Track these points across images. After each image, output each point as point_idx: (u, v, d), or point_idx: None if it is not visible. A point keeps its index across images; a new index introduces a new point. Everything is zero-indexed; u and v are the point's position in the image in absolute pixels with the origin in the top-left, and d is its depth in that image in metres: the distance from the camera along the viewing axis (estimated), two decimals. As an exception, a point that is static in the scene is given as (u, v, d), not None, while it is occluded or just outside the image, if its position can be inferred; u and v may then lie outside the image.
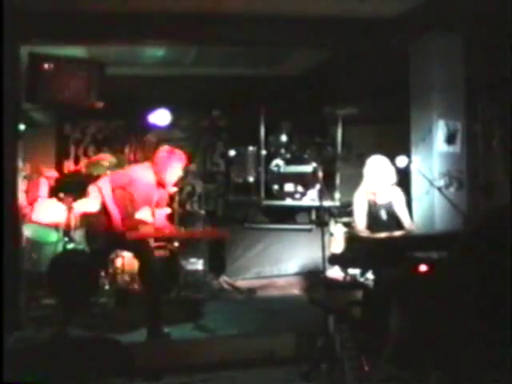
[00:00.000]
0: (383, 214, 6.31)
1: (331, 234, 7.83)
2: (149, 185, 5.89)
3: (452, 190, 6.72)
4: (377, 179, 6.31)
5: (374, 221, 6.28)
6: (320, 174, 7.10)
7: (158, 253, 7.02)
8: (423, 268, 3.56)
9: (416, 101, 7.22)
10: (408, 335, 3.06)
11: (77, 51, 7.50)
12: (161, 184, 5.95)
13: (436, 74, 7.00)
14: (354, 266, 5.13)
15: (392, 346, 3.29)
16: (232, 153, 8.46)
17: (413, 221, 6.68)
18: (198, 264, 7.73)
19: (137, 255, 6.01)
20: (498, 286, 2.40)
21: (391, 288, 3.57)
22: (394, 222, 6.33)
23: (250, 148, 8.37)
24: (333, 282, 5.71)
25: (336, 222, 8.00)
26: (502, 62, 6.40)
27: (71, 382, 4.51)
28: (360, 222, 6.27)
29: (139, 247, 5.78)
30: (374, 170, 6.32)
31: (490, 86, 6.81)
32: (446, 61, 6.99)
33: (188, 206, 8.23)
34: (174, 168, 5.98)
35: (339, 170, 8.18)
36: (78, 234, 7.06)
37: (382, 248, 4.69)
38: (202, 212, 8.20)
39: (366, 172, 6.39)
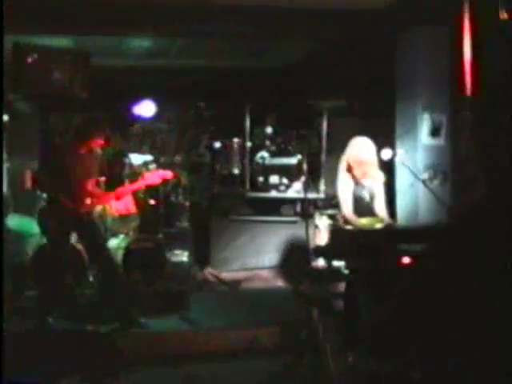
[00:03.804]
0: (366, 196, 6.32)
1: (316, 226, 7.84)
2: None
3: (436, 182, 6.75)
4: (359, 155, 6.31)
5: (357, 203, 6.29)
6: (305, 167, 7.11)
7: (143, 244, 7.02)
8: (406, 260, 3.58)
9: (401, 93, 7.24)
10: (385, 326, 3.08)
11: (63, 42, 7.46)
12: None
13: (421, 67, 7.02)
14: (339, 258, 5.14)
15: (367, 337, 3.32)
16: (217, 145, 8.46)
17: (396, 213, 6.73)
18: (182, 256, 7.72)
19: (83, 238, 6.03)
20: (475, 278, 2.43)
21: (371, 280, 3.59)
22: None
23: (236, 140, 8.36)
24: (317, 274, 5.72)
25: (321, 214, 8.01)
26: (489, 57, 6.43)
27: (54, 374, 4.50)
28: (345, 205, 6.28)
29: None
30: (357, 147, 6.34)
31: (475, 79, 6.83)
32: (431, 54, 7.00)
33: (173, 198, 8.20)
34: None
35: (324, 163, 8.20)
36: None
37: (366, 240, 4.69)
38: (187, 204, 8.19)
39: (348, 149, 6.40)
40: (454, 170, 6.90)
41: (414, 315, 2.88)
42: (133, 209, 7.45)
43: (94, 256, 6.05)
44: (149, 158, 8.27)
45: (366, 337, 3.44)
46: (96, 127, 5.91)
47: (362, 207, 6.29)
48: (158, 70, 9.19)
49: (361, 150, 6.32)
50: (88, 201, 5.88)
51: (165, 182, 7.11)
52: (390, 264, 4.03)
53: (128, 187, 6.57)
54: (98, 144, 5.91)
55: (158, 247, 7.10)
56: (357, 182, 6.34)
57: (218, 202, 8.36)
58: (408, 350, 3.26)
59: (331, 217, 7.58)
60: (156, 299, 6.45)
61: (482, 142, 6.21)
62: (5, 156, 6.30)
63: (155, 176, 6.40)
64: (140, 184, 6.41)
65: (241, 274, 7.90)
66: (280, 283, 7.61)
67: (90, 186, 5.94)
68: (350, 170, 6.34)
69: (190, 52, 8.57)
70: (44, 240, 6.46)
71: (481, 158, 6.21)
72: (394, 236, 4.75)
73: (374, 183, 6.39)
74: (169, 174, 6.50)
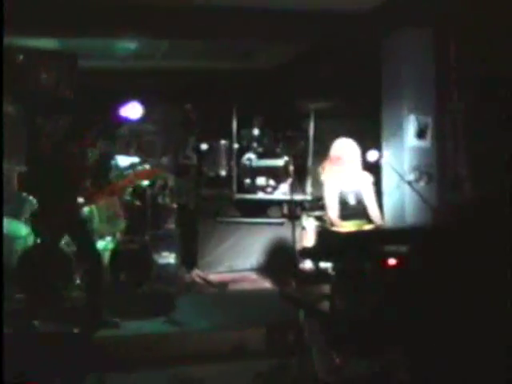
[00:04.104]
0: (351, 200, 6.38)
1: (303, 228, 7.86)
2: None
3: (422, 184, 6.79)
4: (337, 151, 6.35)
5: (342, 207, 6.34)
6: (292, 168, 7.14)
7: (129, 246, 7.00)
8: (392, 262, 3.59)
9: (387, 95, 7.27)
10: (371, 326, 3.09)
11: (49, 43, 7.43)
12: None
13: (407, 69, 7.05)
14: (325, 259, 5.15)
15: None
16: (204, 146, 8.45)
17: (383, 215, 6.74)
18: (170, 258, 7.71)
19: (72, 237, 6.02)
20: (462, 278, 2.44)
21: (358, 281, 3.60)
22: (362, 209, 6.39)
23: (222, 142, 8.37)
24: (304, 276, 5.74)
25: (308, 215, 8.03)
26: (474, 59, 6.48)
27: (39, 376, 4.48)
28: (332, 210, 6.33)
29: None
30: (337, 145, 6.37)
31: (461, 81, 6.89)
32: (417, 56, 7.04)
33: (160, 200, 8.18)
34: None
35: (311, 164, 8.22)
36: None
37: (353, 242, 4.70)
38: (174, 206, 8.18)
39: (331, 153, 6.43)
40: (439, 172, 6.94)
41: (400, 315, 2.90)
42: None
43: (84, 255, 6.00)
44: (135, 160, 8.25)
45: (353, 338, 3.45)
46: (89, 126, 5.91)
47: (348, 211, 6.35)
48: (144, 72, 9.17)
49: (340, 147, 6.39)
50: (82, 199, 5.86)
51: (153, 181, 7.12)
52: (376, 265, 4.03)
53: (121, 182, 6.54)
54: (88, 143, 5.91)
55: (144, 249, 7.08)
56: (342, 187, 6.38)
57: (205, 203, 8.36)
58: (394, 350, 3.28)
59: (318, 218, 7.61)
60: (143, 301, 6.44)
61: (469, 144, 6.26)
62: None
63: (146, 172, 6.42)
64: (132, 177, 6.41)
65: (228, 276, 7.90)
66: (267, 285, 7.62)
67: (83, 184, 5.92)
68: (331, 170, 6.39)
69: (177, 53, 8.57)
70: (31, 242, 6.43)
71: (467, 159, 6.26)
72: (380, 237, 4.76)
73: (361, 186, 6.42)
74: (156, 171, 6.51)
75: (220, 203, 8.43)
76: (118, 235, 7.35)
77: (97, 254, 5.96)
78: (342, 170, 6.36)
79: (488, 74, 5.94)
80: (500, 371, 2.38)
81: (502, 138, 5.82)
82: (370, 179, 6.51)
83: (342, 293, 3.61)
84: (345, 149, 6.39)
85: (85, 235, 5.97)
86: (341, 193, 6.37)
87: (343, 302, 3.55)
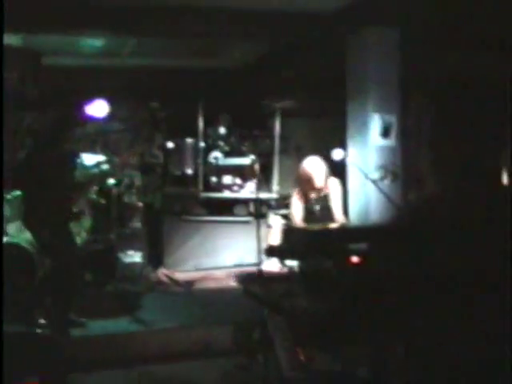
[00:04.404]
0: (317, 208, 6.60)
1: (269, 226, 7.88)
2: None
3: (387, 182, 6.85)
4: (311, 182, 6.54)
5: (308, 214, 6.57)
6: (257, 167, 7.18)
7: (94, 245, 6.96)
8: (355, 259, 3.63)
9: (352, 94, 7.31)
10: (334, 325, 3.14)
11: (11, 40, 7.33)
12: None
13: (372, 68, 7.09)
14: (291, 257, 5.18)
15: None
16: (170, 145, 8.44)
17: (347, 215, 6.86)
18: (135, 256, 7.67)
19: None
20: (423, 277, 2.48)
21: (321, 278, 3.64)
22: (328, 214, 6.58)
23: (189, 140, 8.37)
24: (269, 274, 5.75)
25: (274, 213, 8.06)
26: (437, 59, 6.56)
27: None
28: (296, 216, 6.55)
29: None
30: (308, 174, 6.52)
31: (424, 81, 6.98)
32: (382, 55, 7.09)
33: (126, 198, 8.13)
34: None
35: (277, 163, 8.25)
36: (12, 227, 6.89)
37: (318, 239, 4.74)
38: (140, 204, 8.14)
39: (300, 175, 6.61)
40: (404, 170, 7.01)
41: (362, 314, 2.93)
42: None
43: (62, 255, 5.90)
44: (101, 158, 8.19)
45: (317, 335, 3.49)
46: (67, 124, 5.87)
47: (313, 215, 6.58)
48: (111, 70, 9.12)
49: (310, 167, 6.58)
50: (68, 199, 5.81)
51: (119, 180, 7.09)
52: (339, 263, 4.07)
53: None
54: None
55: (109, 248, 7.04)
56: (306, 201, 6.61)
57: (171, 202, 8.34)
58: (355, 348, 3.31)
59: (284, 216, 7.64)
60: (109, 301, 6.40)
61: (433, 143, 6.34)
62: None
63: None
64: None
65: (194, 275, 7.90)
66: (233, 283, 7.62)
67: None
68: (301, 191, 6.61)
69: (144, 51, 8.53)
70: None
71: (430, 158, 6.34)
72: (344, 235, 4.80)
73: (328, 193, 6.62)
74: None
75: (186, 202, 8.42)
76: (84, 234, 7.29)
77: (73, 252, 5.89)
78: (308, 184, 6.60)
79: (451, 74, 6.03)
80: (459, 363, 2.43)
81: (465, 138, 5.92)
82: (337, 185, 6.70)
83: (305, 290, 3.64)
84: (315, 168, 6.60)
85: (70, 235, 5.90)
86: (306, 206, 6.63)
87: (307, 299, 3.58)
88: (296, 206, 6.71)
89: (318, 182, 6.60)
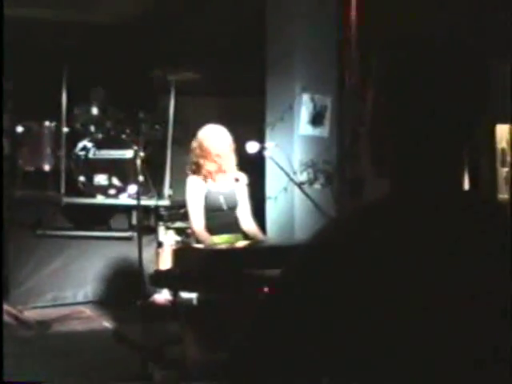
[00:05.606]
0: (224, 206, 6.41)
1: (159, 245, 7.92)
2: None
3: (317, 186, 6.98)
4: (211, 146, 6.40)
5: (211, 214, 6.39)
6: (138, 162, 7.18)
7: None
8: (268, 290, 3.72)
9: (274, 68, 7.38)
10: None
11: None
12: None
13: (300, 36, 7.21)
14: (183, 288, 5.23)
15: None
16: (20, 129, 8.32)
17: (265, 226, 6.91)
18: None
19: None
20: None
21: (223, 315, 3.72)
22: (237, 218, 6.50)
23: (47, 123, 8.31)
24: (156, 310, 5.79)
25: (167, 227, 8.10)
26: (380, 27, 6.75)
27: None
28: (196, 218, 6.38)
29: None
30: (207, 137, 6.43)
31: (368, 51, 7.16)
32: (314, 20, 7.21)
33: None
34: None
35: (170, 157, 8.30)
36: None
37: (220, 263, 4.82)
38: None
39: (196, 145, 6.48)
40: (339, 170, 7.16)
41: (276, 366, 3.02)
42: None
43: None
44: None
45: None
46: None
47: (219, 219, 6.41)
48: None
49: (213, 139, 6.43)
50: None
51: None
52: (249, 295, 4.17)
53: None
54: None
55: None
56: (210, 186, 6.44)
57: (21, 210, 8.25)
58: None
59: (180, 231, 7.69)
60: None
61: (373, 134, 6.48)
62: None
63: None
64: None
65: (52, 312, 7.84)
66: (107, 324, 7.62)
67: None
68: (199, 168, 6.44)
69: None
70: None
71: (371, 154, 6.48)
72: (256, 257, 4.90)
73: (235, 187, 6.53)
74: None
75: (43, 210, 8.35)
76: None
77: None
78: (212, 163, 6.42)
79: (399, 43, 6.20)
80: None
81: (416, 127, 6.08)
82: (245, 181, 6.60)
83: (199, 334, 3.69)
84: (215, 137, 6.46)
85: None
86: (208, 194, 6.41)
87: (199, 347, 3.65)
88: (195, 202, 6.45)
89: (226, 160, 6.46)
